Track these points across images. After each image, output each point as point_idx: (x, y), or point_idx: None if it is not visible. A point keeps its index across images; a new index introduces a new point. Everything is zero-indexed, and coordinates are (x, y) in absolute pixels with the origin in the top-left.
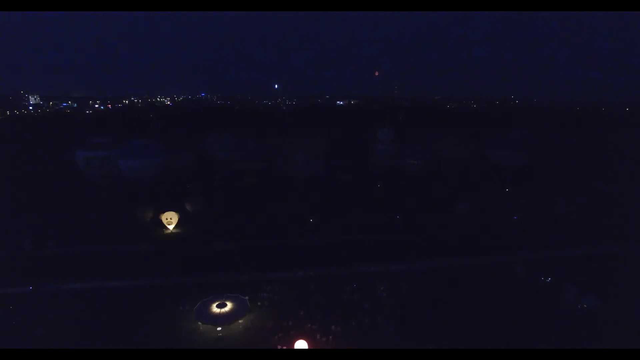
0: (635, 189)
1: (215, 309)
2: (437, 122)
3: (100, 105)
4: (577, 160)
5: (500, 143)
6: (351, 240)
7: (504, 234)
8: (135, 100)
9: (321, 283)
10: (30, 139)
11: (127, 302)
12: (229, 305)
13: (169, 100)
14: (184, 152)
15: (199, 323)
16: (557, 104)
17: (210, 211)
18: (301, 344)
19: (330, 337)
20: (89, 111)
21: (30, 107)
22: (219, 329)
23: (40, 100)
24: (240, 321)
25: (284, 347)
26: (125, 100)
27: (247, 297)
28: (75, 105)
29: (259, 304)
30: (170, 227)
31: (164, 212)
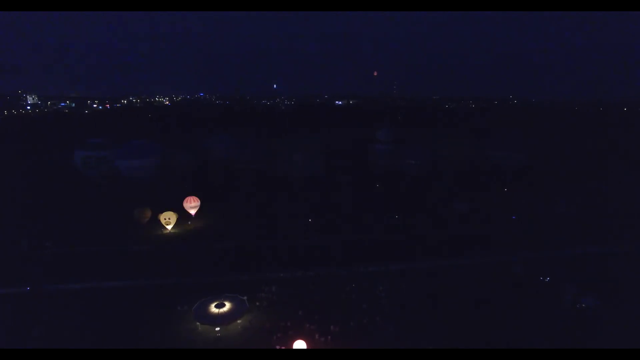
0: (635, 189)
1: (213, 309)
2: (436, 122)
3: (98, 105)
4: (577, 160)
5: (500, 143)
6: (350, 240)
7: (503, 234)
8: (134, 100)
9: (320, 283)
10: (28, 139)
11: (125, 302)
12: (228, 306)
13: (168, 100)
14: (183, 152)
15: (198, 323)
16: (556, 104)
17: (209, 211)
18: (300, 344)
19: (329, 337)
20: (87, 111)
21: (28, 107)
22: (217, 329)
23: (38, 100)
24: (238, 321)
25: (283, 347)
26: (124, 100)
27: (245, 297)
28: (74, 105)
29: (257, 304)
30: (169, 227)
31: (162, 212)
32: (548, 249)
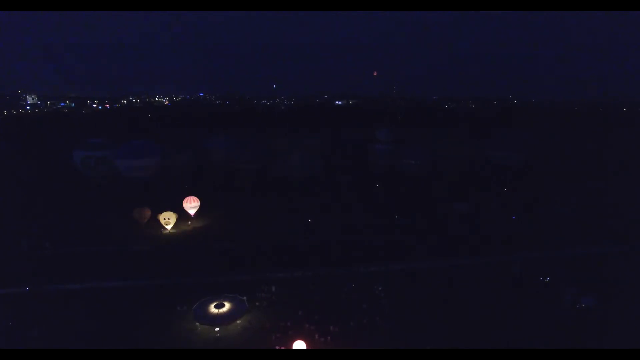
0: (635, 188)
1: (213, 309)
2: (435, 122)
3: (98, 105)
4: (577, 160)
5: (499, 143)
6: (350, 240)
7: (503, 234)
8: (134, 100)
9: (320, 283)
10: (27, 139)
11: (124, 302)
12: (227, 306)
13: (167, 100)
14: (182, 152)
15: (197, 323)
16: (555, 103)
17: (209, 211)
18: (299, 344)
19: (329, 337)
20: (86, 111)
21: (28, 107)
22: (217, 329)
23: (38, 100)
24: (238, 321)
25: (283, 348)
26: (124, 100)
27: (245, 297)
28: (73, 105)
29: (257, 304)
30: (168, 227)
31: (162, 212)
32: (548, 249)
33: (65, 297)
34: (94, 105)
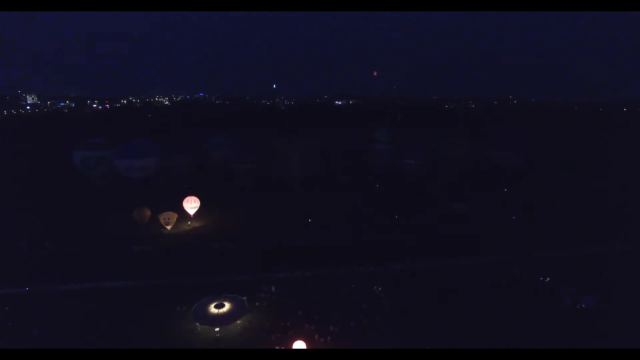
0: (634, 189)
1: (213, 309)
2: (435, 122)
3: (98, 105)
4: (576, 160)
5: (499, 143)
6: (350, 240)
7: (503, 233)
8: (134, 100)
9: (320, 283)
10: (27, 139)
11: (124, 302)
12: (227, 306)
13: (167, 100)
14: (182, 152)
15: (197, 324)
16: (555, 104)
17: (208, 211)
18: (300, 345)
19: (329, 337)
20: (87, 111)
21: (28, 107)
22: (217, 329)
23: (38, 99)
24: (238, 322)
25: (283, 348)
26: (124, 100)
27: (245, 298)
28: (73, 105)
29: (257, 304)
30: (168, 227)
31: (162, 212)
32: (548, 249)
33: (65, 297)
34: (94, 105)
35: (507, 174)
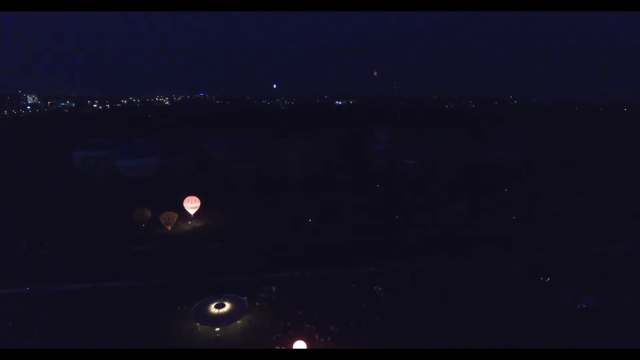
0: (634, 189)
1: (213, 309)
2: (435, 122)
3: (98, 105)
4: (577, 160)
5: (499, 143)
6: (350, 240)
7: (503, 234)
8: (134, 100)
9: (320, 283)
10: (28, 139)
11: (124, 302)
12: (228, 306)
13: (168, 100)
14: (183, 152)
15: (197, 324)
16: (555, 104)
17: (208, 211)
18: (300, 344)
19: (329, 337)
20: (87, 111)
21: (28, 107)
22: (217, 329)
23: (38, 99)
24: (238, 322)
25: (283, 348)
26: (124, 100)
27: (245, 298)
28: (74, 105)
29: (257, 304)
30: (169, 227)
31: (162, 212)
32: (548, 249)
33: (65, 297)
34: (94, 105)
35: (507, 174)
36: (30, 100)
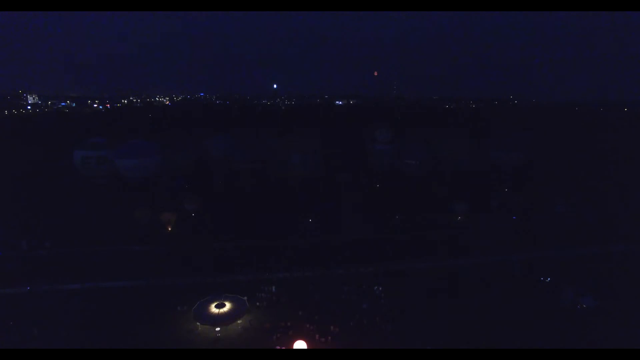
0: (634, 189)
1: (213, 309)
2: (435, 122)
3: (99, 104)
4: (577, 161)
5: (500, 143)
6: (350, 240)
7: (503, 234)
8: (134, 100)
9: (320, 283)
10: (28, 139)
11: (124, 302)
12: (228, 306)
13: (168, 100)
14: (183, 152)
15: (197, 323)
16: (556, 104)
17: (208, 211)
18: (300, 344)
19: (329, 337)
20: (87, 111)
21: (29, 107)
22: (217, 329)
23: (39, 99)
24: (238, 321)
25: (283, 348)
26: (124, 100)
27: (245, 298)
28: (74, 104)
29: (257, 304)
30: (169, 227)
31: (162, 212)
32: (548, 249)
33: (65, 297)
34: (95, 105)
35: (507, 174)
36: (30, 100)
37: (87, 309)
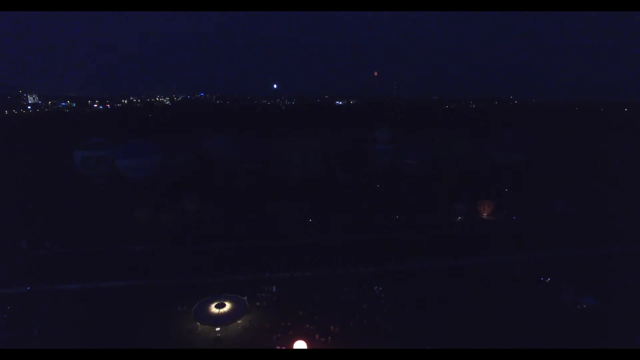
0: (635, 189)
1: (213, 309)
2: (436, 122)
3: (99, 105)
4: (577, 160)
5: (499, 143)
6: (350, 240)
7: (503, 234)
8: (134, 100)
9: (320, 283)
10: (28, 139)
11: (125, 302)
12: (228, 306)
13: (168, 100)
14: (183, 152)
15: (198, 323)
16: (556, 104)
17: (209, 211)
18: (300, 344)
19: (329, 337)
20: (87, 111)
21: (29, 107)
22: (217, 329)
23: (39, 99)
24: (239, 321)
25: (283, 348)
26: (124, 100)
27: (245, 298)
28: (74, 104)
29: (257, 304)
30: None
31: (162, 212)
32: (548, 249)
33: (65, 297)
34: (95, 105)
35: (507, 174)
36: (30, 100)
37: (87, 309)
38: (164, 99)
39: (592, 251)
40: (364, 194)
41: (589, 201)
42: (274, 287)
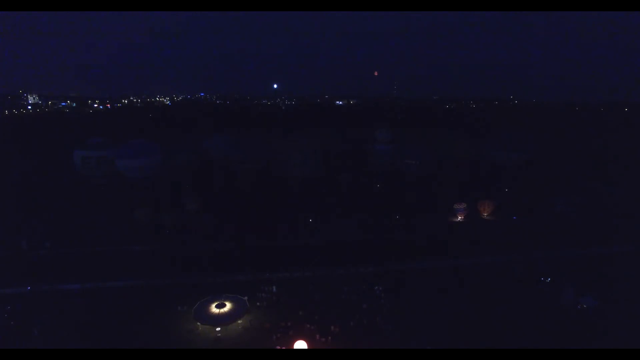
0: (635, 189)
1: (214, 309)
2: (436, 122)
3: (99, 105)
4: (577, 160)
5: (499, 143)
6: (350, 240)
7: (503, 234)
8: (134, 100)
9: (320, 283)
10: (28, 139)
11: (125, 302)
12: (228, 306)
13: (168, 100)
14: (183, 152)
15: (198, 323)
16: (556, 104)
17: (209, 211)
18: (300, 344)
19: (330, 337)
20: (87, 111)
21: (29, 107)
22: (217, 329)
23: (39, 99)
24: (239, 321)
25: (283, 348)
26: (124, 100)
27: (246, 298)
28: (74, 104)
29: (258, 304)
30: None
31: (162, 212)
32: (548, 249)
33: (65, 297)
34: (95, 105)
35: (507, 174)
36: (30, 100)
37: (87, 309)
38: (164, 99)
39: (592, 251)
40: (364, 194)
41: (589, 201)
42: (274, 287)
